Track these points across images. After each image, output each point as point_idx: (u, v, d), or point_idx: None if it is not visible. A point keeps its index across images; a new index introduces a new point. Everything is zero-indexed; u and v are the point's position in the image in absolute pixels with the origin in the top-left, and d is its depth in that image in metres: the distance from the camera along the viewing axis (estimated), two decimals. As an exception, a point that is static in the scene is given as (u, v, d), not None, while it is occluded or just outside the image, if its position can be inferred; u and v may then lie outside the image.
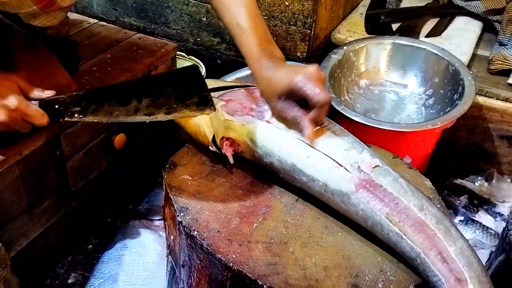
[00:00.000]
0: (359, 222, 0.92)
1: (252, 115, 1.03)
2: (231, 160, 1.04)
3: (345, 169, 0.90)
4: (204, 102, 1.04)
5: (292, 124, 0.95)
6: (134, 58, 1.51)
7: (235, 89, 1.15)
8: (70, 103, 0.98)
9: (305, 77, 0.90)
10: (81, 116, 0.99)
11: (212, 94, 1.12)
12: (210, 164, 1.10)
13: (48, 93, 1.00)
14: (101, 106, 0.99)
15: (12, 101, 0.94)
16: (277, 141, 0.98)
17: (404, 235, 0.85)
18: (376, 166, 0.90)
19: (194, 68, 1.07)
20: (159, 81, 1.05)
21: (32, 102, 0.99)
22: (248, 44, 0.99)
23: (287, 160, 0.96)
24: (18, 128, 1.00)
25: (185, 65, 1.20)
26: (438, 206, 1.01)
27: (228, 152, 1.04)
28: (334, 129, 0.98)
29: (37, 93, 0.99)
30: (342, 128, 1.00)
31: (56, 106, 0.98)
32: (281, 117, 0.96)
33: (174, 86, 1.03)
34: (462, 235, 0.85)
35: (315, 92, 0.89)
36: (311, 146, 0.94)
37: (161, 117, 1.02)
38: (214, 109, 1.03)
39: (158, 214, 1.50)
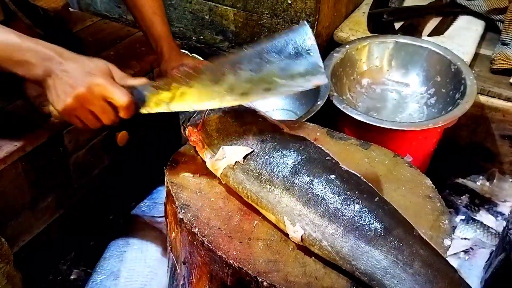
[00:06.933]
0: None
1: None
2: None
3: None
4: (313, 71, 0.83)
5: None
6: (137, 55, 1.52)
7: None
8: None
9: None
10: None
11: None
12: (212, 161, 1.10)
13: (141, 80, 0.93)
14: (190, 87, 0.89)
15: (97, 79, 0.87)
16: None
17: None
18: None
19: (303, 27, 0.83)
20: (260, 51, 0.85)
21: None
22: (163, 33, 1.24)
23: None
24: (97, 112, 0.89)
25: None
26: (438, 205, 1.02)
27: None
28: None
29: (130, 81, 0.92)
30: None
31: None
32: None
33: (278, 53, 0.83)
34: None
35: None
36: None
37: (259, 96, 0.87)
38: (325, 79, 0.85)
39: (160, 211, 1.51)
